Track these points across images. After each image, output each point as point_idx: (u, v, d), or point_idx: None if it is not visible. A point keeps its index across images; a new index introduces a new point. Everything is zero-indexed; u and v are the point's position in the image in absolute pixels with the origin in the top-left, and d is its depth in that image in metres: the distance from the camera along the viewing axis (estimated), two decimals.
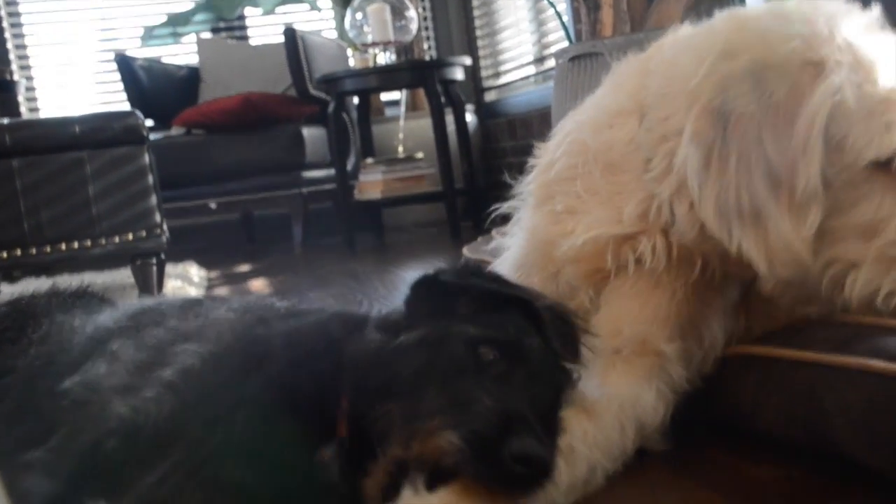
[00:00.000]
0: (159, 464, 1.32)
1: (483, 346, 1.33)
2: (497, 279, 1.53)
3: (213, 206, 6.47)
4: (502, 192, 2.04)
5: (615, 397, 1.59)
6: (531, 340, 1.39)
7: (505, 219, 2.06)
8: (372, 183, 6.71)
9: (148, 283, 3.69)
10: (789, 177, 1.49)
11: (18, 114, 5.45)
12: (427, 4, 8.28)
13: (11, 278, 5.04)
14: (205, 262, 5.73)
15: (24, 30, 7.67)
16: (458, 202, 6.58)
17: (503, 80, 7.68)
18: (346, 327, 1.51)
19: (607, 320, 1.72)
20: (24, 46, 7.68)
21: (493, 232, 2.24)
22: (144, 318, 1.67)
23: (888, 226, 1.49)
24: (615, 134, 1.75)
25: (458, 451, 1.20)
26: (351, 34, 6.79)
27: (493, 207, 2.08)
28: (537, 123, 6.10)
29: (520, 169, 1.99)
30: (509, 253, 2.00)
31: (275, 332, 1.50)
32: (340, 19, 7.69)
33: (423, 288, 1.48)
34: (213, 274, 5.46)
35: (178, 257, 5.46)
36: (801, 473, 1.52)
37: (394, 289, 4.49)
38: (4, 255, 3.34)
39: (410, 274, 4.97)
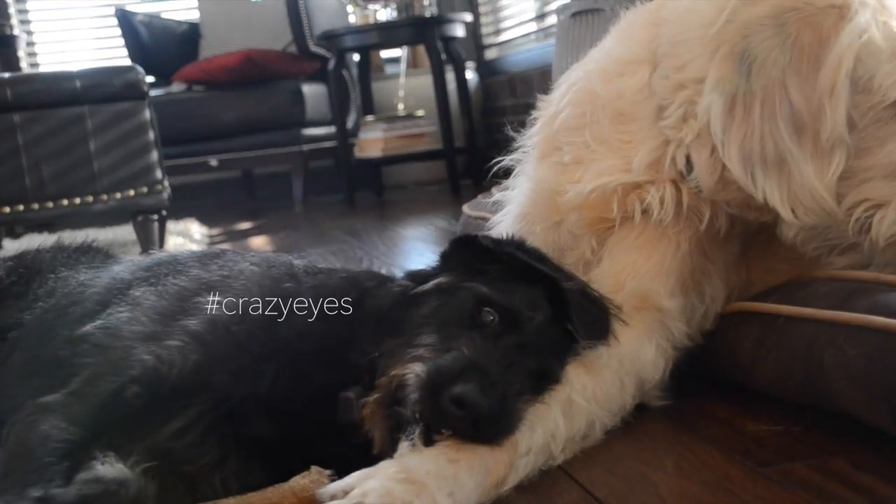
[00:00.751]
0: (181, 414, 1.33)
1: (486, 306, 1.37)
2: (536, 254, 1.54)
3: (213, 163, 6.46)
4: (502, 150, 2.04)
5: (615, 353, 1.60)
6: (534, 314, 1.42)
7: (507, 173, 2.06)
8: (372, 141, 6.70)
9: (150, 239, 3.70)
10: (814, 122, 1.50)
11: (18, 68, 5.42)
12: None
13: (14, 234, 5.05)
14: (206, 220, 5.74)
15: None
16: (458, 160, 6.58)
17: (504, 37, 7.63)
18: (376, 279, 1.57)
19: (609, 275, 1.73)
20: (23, 0, 7.61)
21: (494, 189, 2.24)
22: (163, 268, 1.67)
23: None
24: (626, 82, 1.74)
25: (412, 384, 1.27)
26: None
27: (494, 161, 2.07)
28: (538, 81, 6.06)
29: (521, 126, 1.99)
30: (512, 206, 2.00)
31: (304, 286, 1.51)
32: None
33: (460, 245, 1.53)
34: (215, 231, 5.47)
35: (180, 214, 5.46)
36: (800, 429, 1.53)
37: (393, 245, 4.50)
38: (7, 210, 3.34)
39: (410, 231, 4.98)
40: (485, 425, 1.27)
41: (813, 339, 1.52)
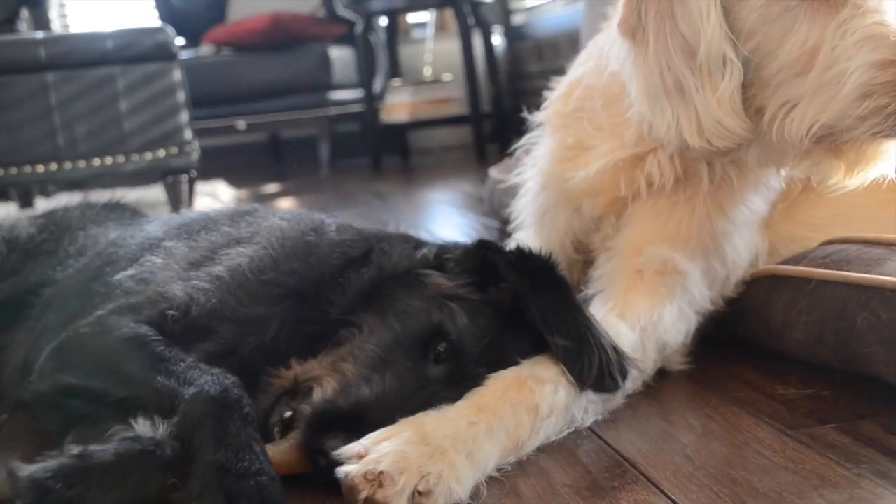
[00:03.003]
0: (196, 349, 1.38)
1: (445, 340, 1.36)
2: (554, 287, 1.43)
3: (241, 125, 6.47)
4: (527, 118, 2.04)
5: (635, 317, 1.61)
6: (483, 370, 1.37)
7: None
8: (399, 105, 6.69)
9: (179, 199, 3.71)
10: (699, 46, 1.49)
11: (49, 29, 5.44)
12: None
13: (46, 193, 5.09)
14: (233, 182, 5.76)
15: None
16: (484, 125, 6.56)
17: (531, 1, 7.56)
18: (393, 243, 1.54)
19: (627, 241, 1.74)
20: None
21: (519, 152, 2.25)
22: (195, 225, 1.70)
23: (819, 53, 1.44)
24: (614, 69, 1.75)
25: (306, 414, 1.27)
26: None
27: (515, 145, 2.09)
28: (565, 46, 6.01)
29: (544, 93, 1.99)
30: (527, 198, 2.03)
31: (325, 240, 1.54)
32: None
33: (481, 249, 1.48)
34: (242, 193, 5.49)
35: (208, 176, 5.48)
36: (830, 393, 1.54)
37: (419, 209, 4.51)
38: (40, 169, 3.36)
39: (436, 195, 4.98)
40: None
41: (845, 302, 1.52)
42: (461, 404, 1.33)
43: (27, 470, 1.08)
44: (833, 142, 1.48)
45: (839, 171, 1.55)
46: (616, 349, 1.44)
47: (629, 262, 1.70)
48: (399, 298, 1.42)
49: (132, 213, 2.13)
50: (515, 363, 1.40)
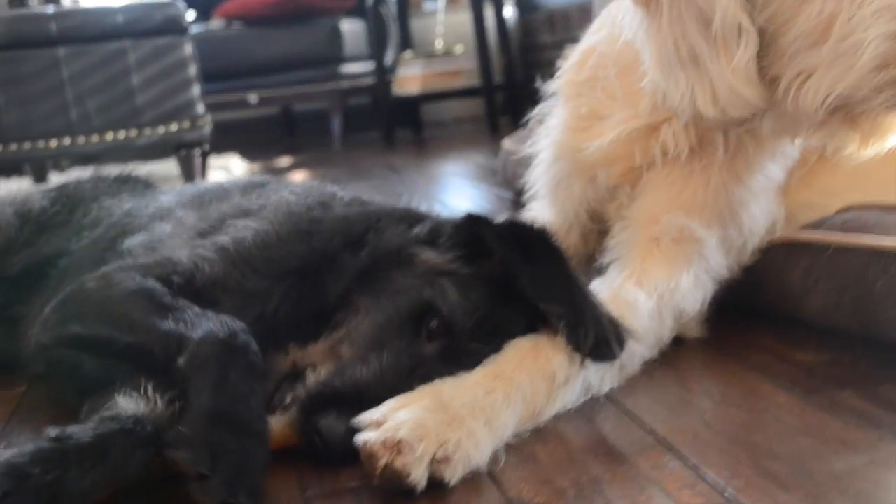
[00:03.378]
0: None
1: (436, 316, 1.34)
2: (547, 258, 1.40)
3: (252, 99, 6.46)
4: (540, 88, 2.03)
5: (652, 285, 1.60)
6: (479, 345, 1.35)
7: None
8: (410, 78, 6.66)
9: (192, 173, 3.73)
10: (713, 14, 1.46)
11: (60, 3, 5.42)
12: None
13: (60, 168, 5.11)
14: (247, 155, 5.76)
15: None
16: (496, 97, 6.53)
17: None
18: (392, 220, 1.52)
19: (643, 210, 1.73)
20: None
21: (532, 123, 2.24)
22: (208, 195, 1.71)
23: (835, 23, 1.41)
24: (627, 38, 1.73)
25: (300, 397, 1.27)
26: None
27: (529, 115, 2.08)
28: (577, 17, 5.97)
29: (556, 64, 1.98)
30: (540, 169, 2.02)
31: (329, 216, 1.53)
32: None
33: (471, 223, 1.45)
34: (255, 166, 5.49)
35: (221, 150, 5.49)
36: (849, 358, 1.53)
37: (433, 181, 4.50)
38: (54, 143, 3.38)
39: (449, 167, 4.97)
40: (337, 459, 1.25)
41: (864, 268, 1.51)
42: (478, 372, 1.33)
43: (2, 456, 1.05)
44: (848, 113, 1.46)
45: (854, 141, 1.54)
46: (612, 319, 1.41)
47: (645, 231, 1.69)
48: (392, 278, 1.40)
49: (145, 186, 2.13)
50: (513, 336, 1.38)
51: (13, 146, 3.35)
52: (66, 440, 1.10)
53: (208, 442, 1.10)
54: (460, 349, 1.33)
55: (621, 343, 1.39)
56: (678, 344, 1.65)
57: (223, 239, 1.47)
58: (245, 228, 1.49)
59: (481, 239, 1.41)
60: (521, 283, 1.36)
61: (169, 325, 1.26)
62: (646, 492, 1.13)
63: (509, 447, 1.29)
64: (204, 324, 1.25)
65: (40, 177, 4.67)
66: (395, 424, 1.19)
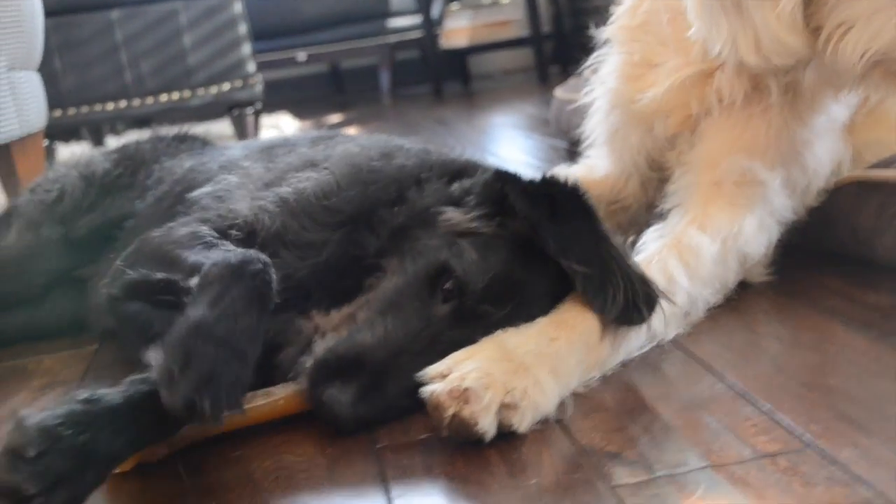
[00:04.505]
0: None
1: (452, 277, 1.30)
2: (577, 216, 1.33)
3: (301, 57, 6.46)
4: (589, 36, 1.99)
5: (715, 229, 1.58)
6: (493, 308, 1.30)
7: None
8: (458, 30, 6.61)
9: (245, 132, 3.75)
10: None
11: None
12: None
13: (116, 131, 5.17)
14: (296, 114, 5.77)
15: None
16: (545, 46, 6.45)
17: None
18: (435, 172, 1.49)
19: (703, 155, 1.70)
20: None
21: (587, 72, 2.21)
22: (276, 148, 1.71)
23: None
24: None
25: (310, 364, 1.25)
26: None
27: (582, 64, 2.04)
28: None
29: (606, 11, 1.94)
30: (596, 119, 1.99)
31: (389, 167, 1.51)
32: None
33: (498, 180, 1.40)
34: (306, 124, 5.50)
35: (272, 109, 5.50)
36: None
37: (483, 133, 4.48)
38: (110, 106, 3.42)
39: (499, 118, 4.94)
40: (347, 428, 1.24)
41: None
42: (542, 321, 1.32)
43: (35, 418, 1.05)
44: (888, 68, 1.42)
45: None
46: (645, 279, 1.34)
47: (707, 175, 1.67)
48: (416, 237, 1.37)
49: (202, 144, 2.15)
50: (531, 300, 1.33)
51: (71, 110, 3.39)
52: (96, 402, 1.10)
53: (185, 346, 1.10)
54: (471, 310, 1.29)
55: (651, 305, 1.33)
56: (744, 288, 1.63)
57: (286, 190, 1.47)
58: (307, 179, 1.49)
59: (507, 197, 1.36)
60: (547, 241, 1.31)
61: (196, 257, 1.29)
62: (720, 439, 1.12)
63: (578, 396, 1.29)
64: (223, 253, 1.26)
65: (97, 140, 4.73)
66: (460, 374, 1.19)
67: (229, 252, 1.27)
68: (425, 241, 1.35)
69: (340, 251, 1.41)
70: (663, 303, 1.36)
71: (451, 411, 1.17)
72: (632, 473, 1.07)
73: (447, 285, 1.29)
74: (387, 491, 1.10)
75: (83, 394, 1.11)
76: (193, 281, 1.22)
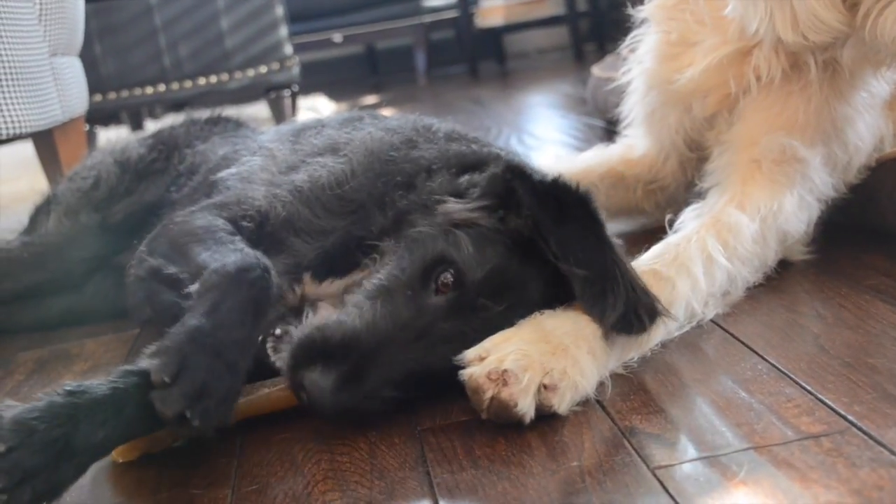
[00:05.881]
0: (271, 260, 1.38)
1: (451, 268, 1.27)
2: (582, 221, 1.29)
3: (337, 38, 6.47)
4: (626, 14, 1.97)
5: (755, 207, 1.56)
6: (490, 303, 1.27)
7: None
8: (493, 9, 6.58)
9: (282, 114, 3.76)
10: None
11: None
12: None
13: (155, 115, 5.21)
14: (333, 95, 5.79)
15: None
16: (580, 25, 6.41)
17: None
18: (440, 169, 1.46)
19: (742, 133, 1.68)
20: None
21: (625, 51, 2.19)
22: (307, 131, 1.72)
23: None
24: None
25: (292, 342, 1.23)
26: None
27: (619, 43, 2.02)
28: None
29: None
30: (634, 98, 1.98)
31: (405, 157, 1.49)
32: None
33: (507, 175, 1.35)
34: (342, 106, 5.51)
35: (308, 91, 5.51)
36: None
37: (519, 112, 4.45)
38: (149, 90, 3.44)
39: (535, 98, 4.91)
40: (327, 415, 1.22)
41: None
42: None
43: (11, 411, 1.04)
44: None
45: None
46: (646, 290, 1.29)
47: (745, 153, 1.65)
48: (415, 224, 1.36)
49: (236, 125, 2.16)
50: (527, 297, 1.30)
51: (111, 95, 3.43)
52: (80, 394, 1.10)
53: (180, 355, 1.11)
54: (467, 303, 1.27)
55: (652, 316, 1.28)
56: (784, 267, 1.61)
57: (301, 178, 1.48)
58: (323, 166, 1.49)
59: (514, 192, 1.33)
60: (548, 243, 1.28)
61: (203, 256, 1.30)
62: (763, 420, 1.11)
63: (617, 378, 1.29)
64: (228, 256, 1.27)
65: (136, 124, 4.77)
66: (499, 357, 1.19)
67: (233, 254, 1.28)
68: (422, 229, 1.33)
69: (347, 235, 1.41)
70: (702, 283, 1.34)
71: (489, 394, 1.17)
72: (673, 455, 1.06)
73: (444, 277, 1.27)
74: (428, 474, 1.11)
75: (69, 385, 1.11)
76: (194, 288, 1.23)
